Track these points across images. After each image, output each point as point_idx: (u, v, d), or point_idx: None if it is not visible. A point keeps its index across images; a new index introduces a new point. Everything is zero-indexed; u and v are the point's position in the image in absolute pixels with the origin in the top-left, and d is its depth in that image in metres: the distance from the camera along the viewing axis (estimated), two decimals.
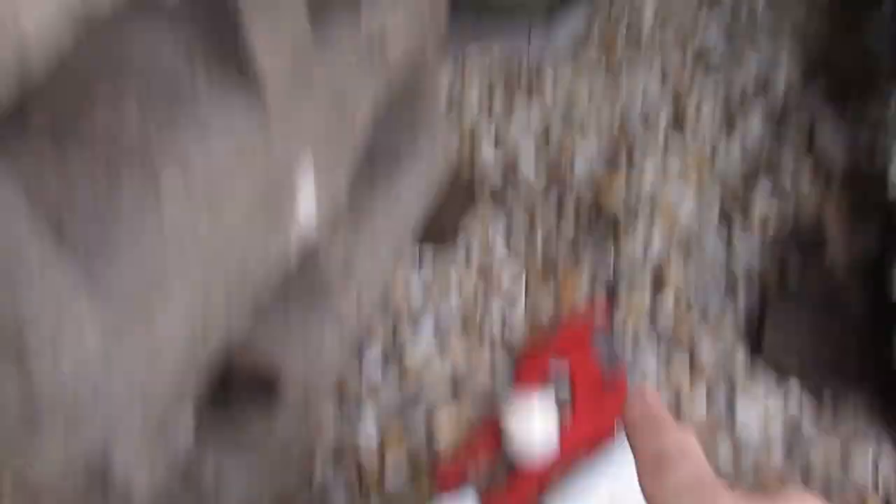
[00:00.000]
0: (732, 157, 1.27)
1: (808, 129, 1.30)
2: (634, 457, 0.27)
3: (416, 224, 1.05)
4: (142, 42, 0.62)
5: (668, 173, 1.24)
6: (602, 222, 1.19)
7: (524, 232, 1.17)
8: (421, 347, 1.06)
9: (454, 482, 0.93)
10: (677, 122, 1.32)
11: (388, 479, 0.96)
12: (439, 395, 1.02)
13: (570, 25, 1.43)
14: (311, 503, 0.95)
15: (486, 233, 1.17)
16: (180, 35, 0.61)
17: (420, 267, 1.13)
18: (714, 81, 1.38)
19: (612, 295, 1.10)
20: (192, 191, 0.57)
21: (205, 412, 0.70)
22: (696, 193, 1.22)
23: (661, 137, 1.30)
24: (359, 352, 1.04)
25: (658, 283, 1.11)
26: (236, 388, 0.82)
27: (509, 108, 1.35)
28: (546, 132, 1.31)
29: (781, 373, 1.01)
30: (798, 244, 1.17)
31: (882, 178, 1.25)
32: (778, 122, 1.31)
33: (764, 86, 1.37)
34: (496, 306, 1.10)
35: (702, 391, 1.02)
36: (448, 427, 0.99)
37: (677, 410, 1.01)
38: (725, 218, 1.20)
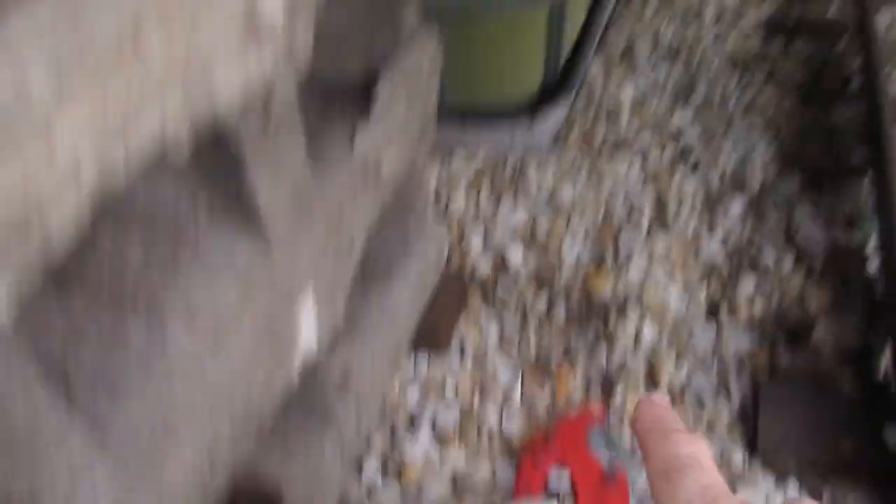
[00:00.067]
0: (715, 247, 1.30)
1: (786, 218, 1.34)
2: (646, 465, 0.27)
3: (410, 329, 1.06)
4: (145, 188, 0.64)
5: (653, 264, 1.27)
6: (593, 314, 1.20)
7: (517, 328, 1.19)
8: (420, 450, 1.05)
9: None
10: (659, 214, 1.36)
11: None
12: (440, 497, 1.01)
13: (551, 122, 1.48)
14: None
15: (480, 333, 1.18)
16: (184, 180, 0.63)
17: (416, 371, 1.13)
18: (693, 175, 1.43)
19: (607, 391, 1.10)
20: (198, 333, 0.59)
21: None
22: (682, 284, 1.25)
23: (644, 229, 1.34)
24: (359, 459, 1.04)
25: (652, 376, 1.12)
26: None
27: (496, 205, 1.38)
28: (533, 226, 1.34)
29: (779, 472, 1.01)
30: (785, 330, 1.19)
31: (861, 260, 1.29)
32: (757, 213, 1.35)
33: (741, 178, 1.42)
34: (492, 406, 1.10)
35: None
36: None
37: None
38: (712, 307, 1.22)
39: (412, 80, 0.83)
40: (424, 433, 1.07)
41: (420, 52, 0.84)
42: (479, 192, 1.39)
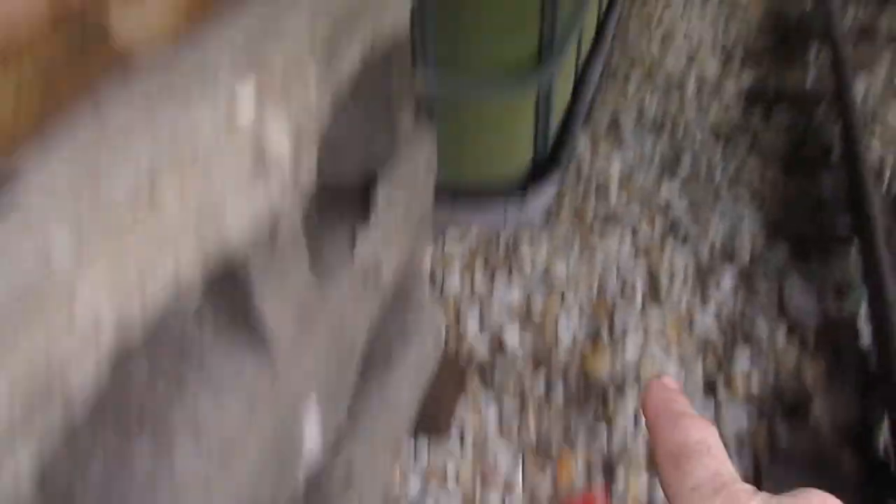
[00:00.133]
0: (709, 321, 1.32)
1: (777, 289, 1.36)
2: (655, 450, 0.26)
3: (411, 417, 1.06)
4: None
5: (649, 341, 1.28)
6: (592, 394, 1.21)
7: (516, 411, 1.19)
8: None
9: None
10: (652, 288, 1.38)
11: None
12: None
13: (542, 199, 1.50)
14: None
15: (479, 417, 1.18)
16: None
17: (416, 458, 1.13)
18: (683, 247, 1.45)
19: (609, 477, 1.10)
20: (204, 452, 0.59)
21: None
22: (678, 360, 1.25)
23: (638, 304, 1.35)
24: None
25: (653, 460, 1.12)
26: None
27: (490, 283, 1.39)
28: (528, 304, 1.35)
29: None
30: (783, 405, 1.19)
31: (853, 330, 1.30)
32: (748, 284, 1.37)
33: (731, 250, 1.44)
34: (495, 494, 1.09)
35: None
36: None
37: None
38: (709, 383, 1.23)
39: (410, 181, 0.85)
40: None
41: (417, 153, 0.86)
42: (473, 271, 1.41)
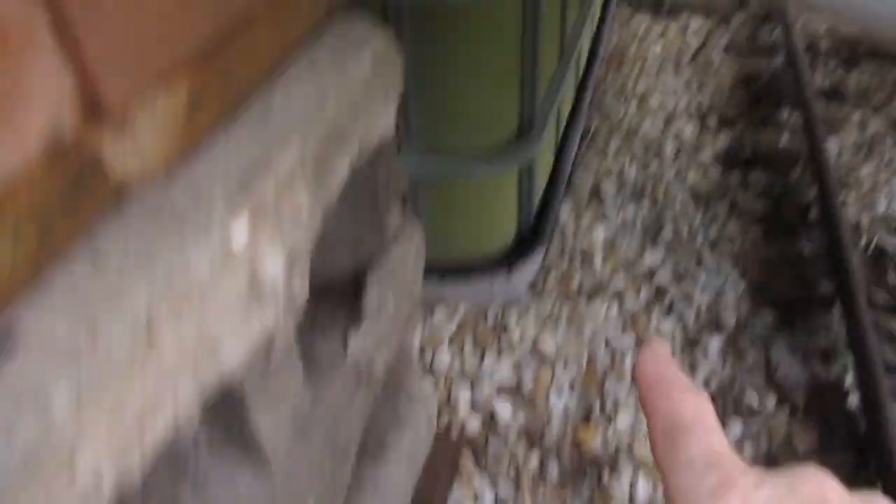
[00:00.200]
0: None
1: (764, 355, 1.37)
2: (648, 420, 0.26)
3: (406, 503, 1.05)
4: None
5: (641, 413, 1.28)
6: (586, 470, 1.20)
7: (512, 492, 1.18)
8: None
9: None
10: None
11: None
12: None
13: (528, 271, 1.51)
14: None
15: (475, 499, 1.17)
16: None
17: None
18: (669, 315, 1.46)
19: None
20: None
21: None
22: None
23: (628, 374, 1.35)
24: None
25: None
26: None
27: (480, 359, 1.39)
28: (518, 379, 1.35)
29: None
30: None
31: (841, 395, 1.31)
32: (735, 351, 1.38)
33: (716, 316, 1.46)
34: None
35: None
36: None
37: None
38: None
39: (399, 275, 0.86)
40: None
41: (406, 246, 0.87)
42: (462, 347, 1.41)
